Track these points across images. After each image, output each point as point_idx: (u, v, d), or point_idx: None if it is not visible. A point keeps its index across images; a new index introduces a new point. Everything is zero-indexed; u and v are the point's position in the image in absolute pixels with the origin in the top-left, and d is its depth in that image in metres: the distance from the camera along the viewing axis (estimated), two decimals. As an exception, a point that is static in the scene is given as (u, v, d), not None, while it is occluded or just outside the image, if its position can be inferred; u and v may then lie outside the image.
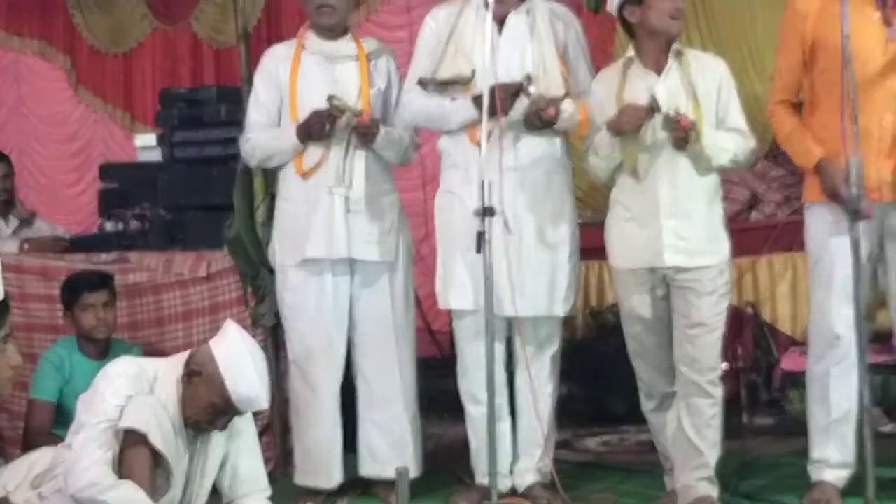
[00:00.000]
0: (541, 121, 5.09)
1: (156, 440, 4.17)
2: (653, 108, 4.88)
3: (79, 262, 6.02)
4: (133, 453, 4.17)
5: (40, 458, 4.76)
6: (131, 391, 4.25)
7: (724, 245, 5.09)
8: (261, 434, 5.86)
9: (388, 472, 5.24)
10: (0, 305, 2.86)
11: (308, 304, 5.45)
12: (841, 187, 4.77)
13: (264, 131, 5.51)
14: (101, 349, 5.49)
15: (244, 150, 5.58)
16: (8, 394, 4.77)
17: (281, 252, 5.53)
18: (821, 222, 5.03)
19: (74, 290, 5.54)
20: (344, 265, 5.44)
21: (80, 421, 4.35)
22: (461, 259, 5.31)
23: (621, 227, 5.13)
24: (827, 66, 4.93)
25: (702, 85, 5.03)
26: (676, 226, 4.99)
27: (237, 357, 4.28)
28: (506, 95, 5.00)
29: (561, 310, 5.38)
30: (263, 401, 4.32)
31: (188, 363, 4.33)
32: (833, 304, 4.98)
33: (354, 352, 5.52)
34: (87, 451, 4.16)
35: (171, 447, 4.24)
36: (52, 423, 5.37)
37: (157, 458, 4.21)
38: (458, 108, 5.20)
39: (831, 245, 4.98)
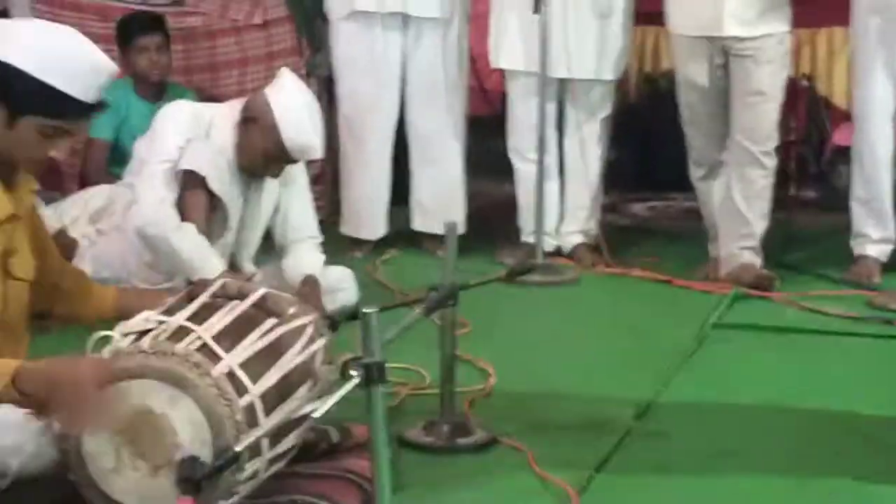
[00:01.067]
0: None
1: (214, 184, 4.24)
2: None
3: (136, 4, 6.01)
4: (191, 195, 4.24)
5: (97, 193, 4.87)
6: (190, 133, 4.30)
7: (784, 15, 5.04)
8: (312, 183, 5.96)
9: (438, 227, 5.34)
10: None
11: (359, 57, 5.44)
12: None
13: None
14: (157, 91, 5.52)
15: None
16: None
17: (332, 2, 5.49)
18: None
19: (128, 32, 5.53)
20: (397, 20, 5.41)
21: (140, 160, 4.42)
22: (515, 19, 5.30)
23: (683, -7, 5.08)
24: None
25: None
26: None
27: (292, 105, 4.30)
28: None
29: (611, 73, 5.39)
30: (317, 150, 4.36)
31: (244, 109, 4.35)
32: (872, 80, 4.97)
33: (407, 108, 5.54)
34: (151, 189, 4.23)
35: (228, 191, 4.31)
36: (109, 162, 5.45)
37: (213, 202, 4.29)
38: None
39: (872, 20, 4.93)
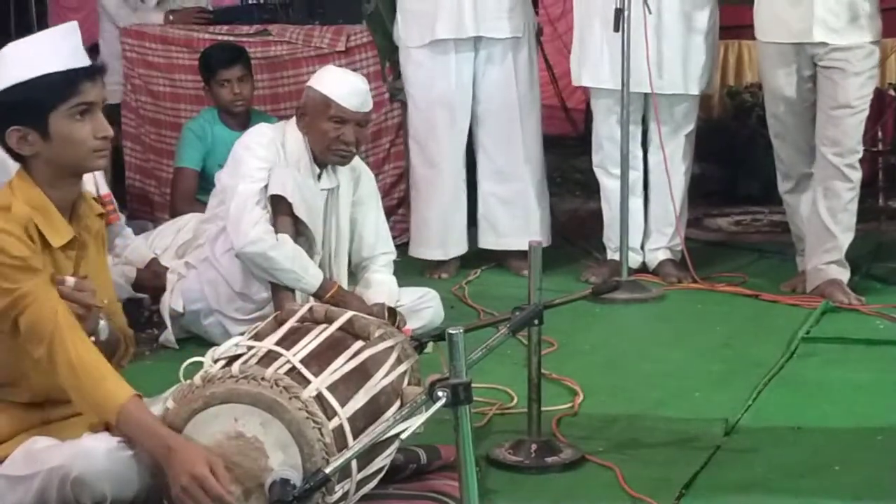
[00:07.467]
0: None
1: (299, 210, 4.30)
2: None
3: (222, 34, 6.11)
4: (279, 221, 4.32)
5: (184, 227, 4.97)
6: (271, 156, 4.38)
7: (874, 25, 4.98)
8: (396, 207, 6.01)
9: (510, 244, 5.40)
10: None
11: (433, 82, 5.47)
12: None
13: None
14: (242, 120, 5.58)
15: None
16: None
17: (406, 32, 5.53)
18: None
19: (209, 65, 5.60)
20: (469, 43, 5.44)
21: (223, 188, 4.49)
22: (597, 36, 5.30)
23: (772, 0, 5.05)
24: None
25: None
26: (828, 1, 4.89)
27: (329, 73, 4.53)
28: None
29: (696, 88, 5.37)
30: (369, 100, 4.46)
31: (296, 111, 4.49)
32: None
33: (477, 127, 5.56)
34: (248, 208, 4.32)
35: (311, 215, 4.37)
36: (197, 190, 5.54)
37: (299, 228, 4.35)
38: None
39: None
